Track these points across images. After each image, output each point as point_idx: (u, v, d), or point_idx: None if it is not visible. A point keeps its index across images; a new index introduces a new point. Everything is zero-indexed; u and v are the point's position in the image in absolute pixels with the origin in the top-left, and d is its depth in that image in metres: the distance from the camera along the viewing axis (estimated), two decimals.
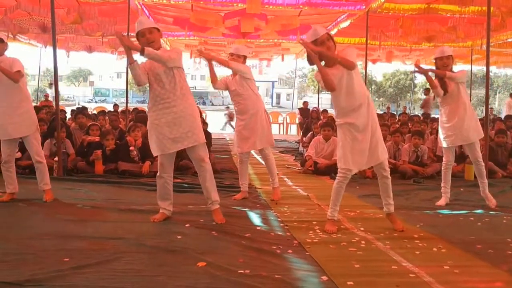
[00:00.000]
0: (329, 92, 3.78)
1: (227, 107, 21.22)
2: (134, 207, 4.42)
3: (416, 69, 5.11)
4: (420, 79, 45.48)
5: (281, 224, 4.03)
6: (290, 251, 3.28)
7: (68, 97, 50.25)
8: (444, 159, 5.02)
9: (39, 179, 4.60)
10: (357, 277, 2.81)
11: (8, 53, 4.52)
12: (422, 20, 9.70)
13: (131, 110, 11.23)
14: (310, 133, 9.08)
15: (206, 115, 14.42)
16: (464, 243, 3.55)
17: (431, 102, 14.75)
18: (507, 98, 17.43)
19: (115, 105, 14.28)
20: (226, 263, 2.93)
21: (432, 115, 13.20)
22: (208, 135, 7.16)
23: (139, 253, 3.12)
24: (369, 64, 14.33)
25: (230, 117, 18.41)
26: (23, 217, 4.05)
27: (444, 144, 4.92)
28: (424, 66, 6.04)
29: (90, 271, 2.76)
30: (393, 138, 7.09)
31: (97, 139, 6.66)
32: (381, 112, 12.30)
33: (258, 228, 3.90)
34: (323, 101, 24.01)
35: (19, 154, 5.84)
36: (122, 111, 10.76)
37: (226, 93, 5.09)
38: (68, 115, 10.62)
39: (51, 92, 16.60)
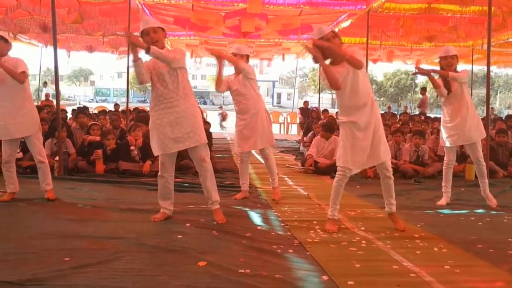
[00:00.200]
0: (332, 91, 3.77)
1: (221, 107, 21.24)
2: (135, 207, 4.42)
3: (414, 73, 5.11)
4: (421, 78, 45.40)
5: (282, 224, 4.03)
6: (290, 250, 3.28)
7: (69, 96, 50.29)
8: (445, 158, 5.02)
9: (41, 179, 4.60)
10: (358, 276, 2.81)
11: (9, 52, 4.51)
12: (423, 20, 9.69)
13: (132, 109, 11.24)
14: (310, 132, 9.10)
15: (206, 115, 14.43)
16: (465, 242, 3.55)
17: (427, 101, 14.79)
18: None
19: (116, 105, 14.30)
20: (226, 263, 2.93)
21: (427, 115, 13.24)
22: (209, 135, 7.17)
23: (140, 252, 3.12)
24: (370, 63, 14.35)
25: (223, 117, 18.42)
26: (24, 217, 4.05)
27: (447, 144, 4.92)
28: (425, 66, 6.04)
29: (91, 270, 2.76)
30: (394, 138, 7.10)
31: (97, 138, 6.66)
32: (382, 112, 12.28)
33: (259, 227, 3.90)
34: (324, 100, 24.02)
35: (20, 154, 5.85)
36: (123, 111, 10.77)
37: (227, 92, 5.08)
38: (69, 115, 10.62)
39: (46, 90, 16.60)
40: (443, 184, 5.03)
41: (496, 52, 13.04)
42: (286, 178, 6.53)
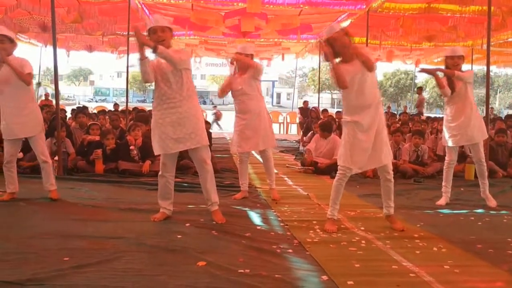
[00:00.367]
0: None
1: (215, 106, 21.23)
2: (134, 207, 4.42)
3: (421, 70, 5.12)
4: (421, 78, 45.53)
5: (281, 224, 4.03)
6: (290, 250, 3.28)
7: (68, 96, 50.24)
8: (446, 158, 5.02)
9: (45, 179, 4.61)
10: (357, 276, 2.81)
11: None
12: (423, 19, 9.71)
13: (131, 109, 11.25)
14: (310, 132, 9.11)
15: (206, 114, 14.44)
16: (464, 242, 3.55)
17: (424, 101, 14.83)
18: None
19: (116, 105, 14.31)
20: (226, 263, 2.93)
21: (425, 114, 13.27)
22: (208, 134, 7.16)
23: (140, 252, 3.12)
24: None
25: (217, 117, 18.41)
26: (24, 217, 4.05)
27: (449, 143, 4.91)
28: (427, 66, 6.06)
29: (90, 270, 2.76)
30: (394, 138, 7.10)
31: (97, 138, 6.66)
32: None
33: (258, 227, 3.90)
34: (323, 100, 24.01)
35: (21, 155, 5.84)
36: (122, 111, 10.77)
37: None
38: (69, 115, 10.62)
39: (40, 91, 16.59)
40: (443, 184, 5.04)
41: (496, 52, 13.05)
42: (286, 178, 6.54)
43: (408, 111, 16.77)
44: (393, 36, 11.51)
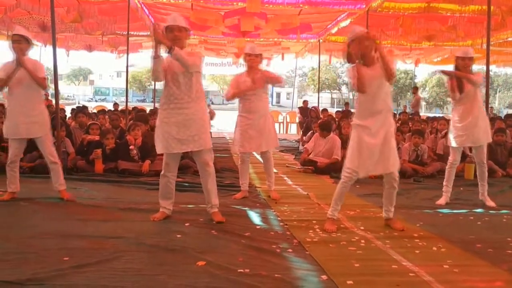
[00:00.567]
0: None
1: (209, 105, 21.21)
2: (134, 206, 4.42)
3: (441, 72, 5.16)
4: (420, 78, 45.53)
5: (281, 223, 4.03)
6: (290, 250, 3.28)
7: (68, 96, 50.22)
8: (450, 158, 5.02)
9: (54, 179, 4.62)
10: (357, 276, 2.82)
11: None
12: (422, 19, 9.71)
13: (131, 109, 11.24)
14: (310, 132, 9.10)
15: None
16: (463, 242, 3.56)
17: (420, 101, 14.85)
18: None
19: (115, 104, 14.30)
20: (225, 262, 2.93)
21: (420, 114, 13.29)
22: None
23: (139, 252, 3.12)
24: None
25: (211, 116, 18.39)
26: (24, 216, 4.05)
27: (453, 144, 4.91)
28: (442, 67, 6.12)
29: (90, 270, 2.76)
30: None
31: (97, 138, 6.66)
32: None
33: (258, 227, 3.91)
34: (323, 100, 24.00)
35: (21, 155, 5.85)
36: (122, 110, 10.76)
37: None
38: (68, 114, 10.62)
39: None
40: (444, 184, 5.04)
41: (496, 52, 13.05)
42: (286, 178, 6.54)
43: (407, 110, 16.76)
44: (392, 35, 11.51)
